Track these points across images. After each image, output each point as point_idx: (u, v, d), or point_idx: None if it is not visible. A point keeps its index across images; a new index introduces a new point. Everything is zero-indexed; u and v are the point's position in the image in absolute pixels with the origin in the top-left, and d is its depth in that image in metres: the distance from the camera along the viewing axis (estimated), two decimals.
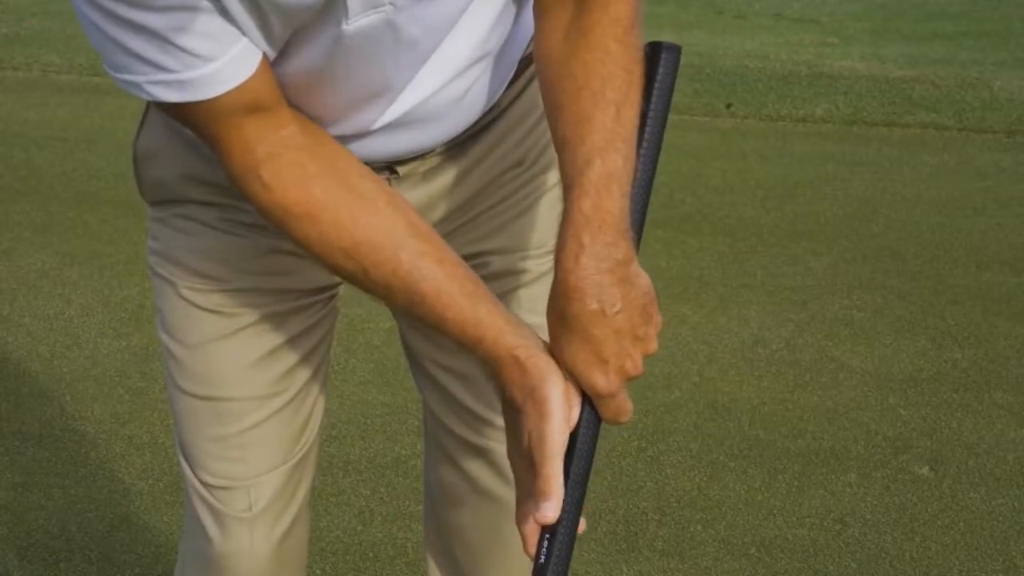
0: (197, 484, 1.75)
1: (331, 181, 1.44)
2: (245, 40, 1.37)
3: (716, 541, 2.99)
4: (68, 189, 5.55)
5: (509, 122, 1.69)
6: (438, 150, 1.64)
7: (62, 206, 5.29)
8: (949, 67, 8.02)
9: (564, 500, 1.39)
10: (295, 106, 1.46)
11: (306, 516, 1.82)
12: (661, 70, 1.46)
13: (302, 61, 1.44)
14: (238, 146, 1.42)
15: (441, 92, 1.54)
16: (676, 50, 1.48)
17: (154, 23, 1.31)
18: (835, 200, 5.47)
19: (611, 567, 2.89)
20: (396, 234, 1.43)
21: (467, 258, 1.54)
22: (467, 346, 1.42)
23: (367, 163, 1.51)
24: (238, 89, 1.38)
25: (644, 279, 1.42)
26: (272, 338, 1.71)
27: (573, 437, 1.41)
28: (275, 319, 1.70)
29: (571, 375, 1.40)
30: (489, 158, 1.69)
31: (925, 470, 3.31)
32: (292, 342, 1.72)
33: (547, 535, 1.40)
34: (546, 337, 1.43)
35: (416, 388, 1.87)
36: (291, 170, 1.42)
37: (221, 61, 1.36)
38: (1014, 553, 2.96)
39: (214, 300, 1.68)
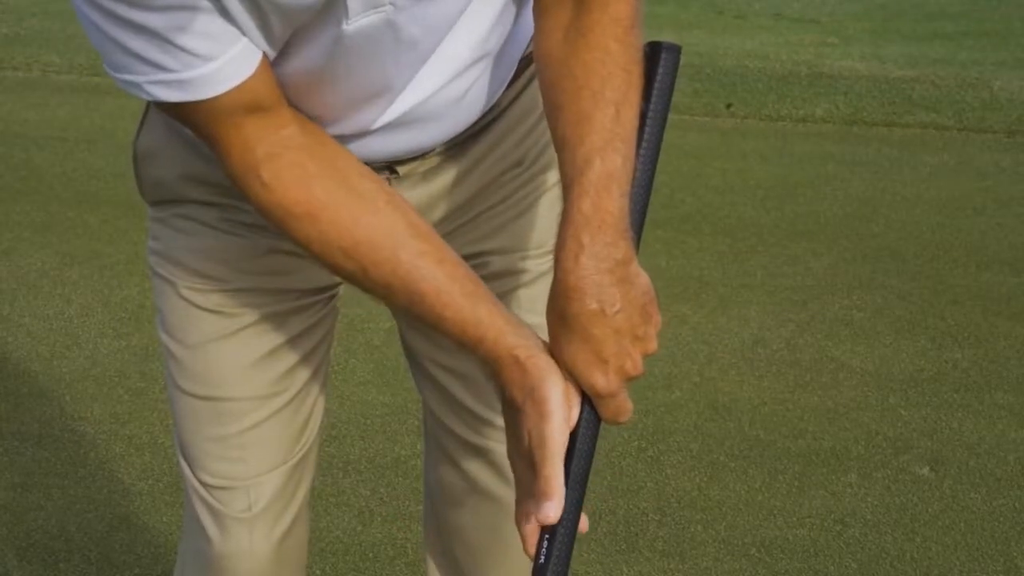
0: (197, 484, 1.75)
1: (331, 181, 1.44)
2: (245, 40, 1.37)
3: (716, 541, 2.99)
4: (68, 189, 5.55)
5: (509, 122, 1.69)
6: (438, 150, 1.64)
7: (62, 206, 5.29)
8: (949, 67, 8.02)
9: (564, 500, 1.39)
10: (295, 106, 1.46)
11: (306, 516, 1.82)
12: (661, 70, 1.46)
13: (302, 61, 1.44)
14: (238, 146, 1.42)
15: (441, 92, 1.54)
16: (676, 50, 1.47)
17: (154, 23, 1.31)
18: (835, 200, 5.47)
19: (611, 567, 2.89)
20: (396, 234, 1.43)
21: (467, 258, 1.54)
22: (467, 346, 1.42)
23: (367, 163, 1.50)
24: (238, 89, 1.38)
25: (644, 279, 1.41)
26: (272, 338, 1.70)
27: (573, 437, 1.41)
28: (275, 319, 1.70)
29: (571, 375, 1.40)
30: (489, 158, 1.69)
31: (926, 470, 3.30)
32: (292, 342, 1.72)
33: (547, 535, 1.40)
34: (546, 337, 1.42)
35: (416, 388, 1.87)
36: (291, 170, 1.42)
37: (221, 61, 1.36)
38: (1015, 554, 2.96)
39: (214, 300, 1.68)
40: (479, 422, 1.80)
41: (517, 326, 1.42)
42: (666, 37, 1.51)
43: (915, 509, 3.12)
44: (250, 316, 1.69)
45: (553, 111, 1.46)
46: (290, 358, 1.73)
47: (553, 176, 1.70)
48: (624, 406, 1.42)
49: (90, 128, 6.54)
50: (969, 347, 4.01)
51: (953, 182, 5.74)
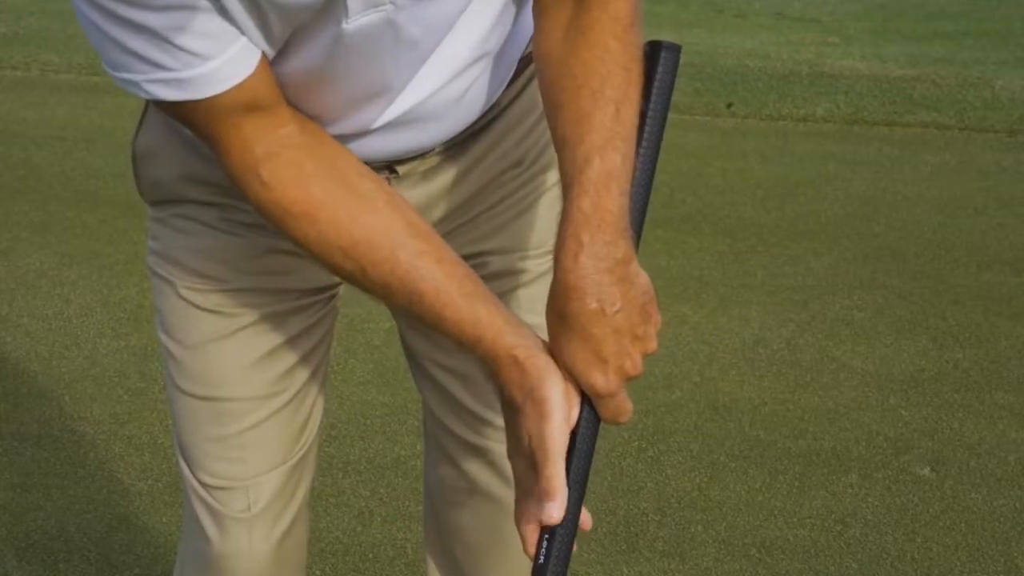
0: (196, 484, 1.74)
1: (330, 180, 1.43)
2: (244, 39, 1.37)
3: (717, 542, 2.99)
4: (67, 189, 5.55)
5: (508, 122, 1.69)
6: (437, 149, 1.64)
7: (61, 206, 5.29)
8: (950, 66, 8.02)
9: None
10: (295, 105, 1.46)
11: (305, 516, 1.82)
12: (661, 69, 1.46)
13: (302, 60, 1.44)
14: (237, 145, 1.41)
15: (441, 92, 1.54)
16: (676, 49, 1.47)
17: (153, 22, 1.31)
18: (836, 200, 5.47)
19: (611, 568, 2.89)
20: (395, 233, 1.43)
21: (467, 258, 1.54)
22: (466, 346, 1.42)
23: (367, 162, 1.50)
24: (237, 88, 1.37)
25: (643, 278, 1.41)
26: (272, 338, 1.70)
27: (572, 437, 1.41)
28: (274, 319, 1.70)
29: (570, 375, 1.39)
30: (488, 158, 1.69)
31: (926, 471, 3.30)
32: (292, 342, 1.72)
33: (546, 535, 1.40)
34: (546, 337, 1.42)
35: (416, 388, 1.87)
36: (290, 169, 1.42)
37: (220, 60, 1.35)
38: (1015, 554, 2.96)
39: (213, 300, 1.68)
40: (479, 422, 1.79)
41: (516, 326, 1.42)
42: (666, 36, 1.51)
43: (916, 509, 3.12)
44: (249, 316, 1.69)
45: (553, 110, 1.45)
46: (289, 358, 1.72)
47: (553, 176, 1.70)
48: (624, 406, 1.42)
49: (89, 127, 6.54)
50: (970, 347, 4.01)
51: (954, 182, 5.74)
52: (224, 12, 1.34)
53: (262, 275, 1.68)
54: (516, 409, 1.40)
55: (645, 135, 1.44)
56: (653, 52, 1.46)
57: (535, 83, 1.57)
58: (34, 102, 7.15)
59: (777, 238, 4.99)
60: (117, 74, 1.37)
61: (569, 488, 1.39)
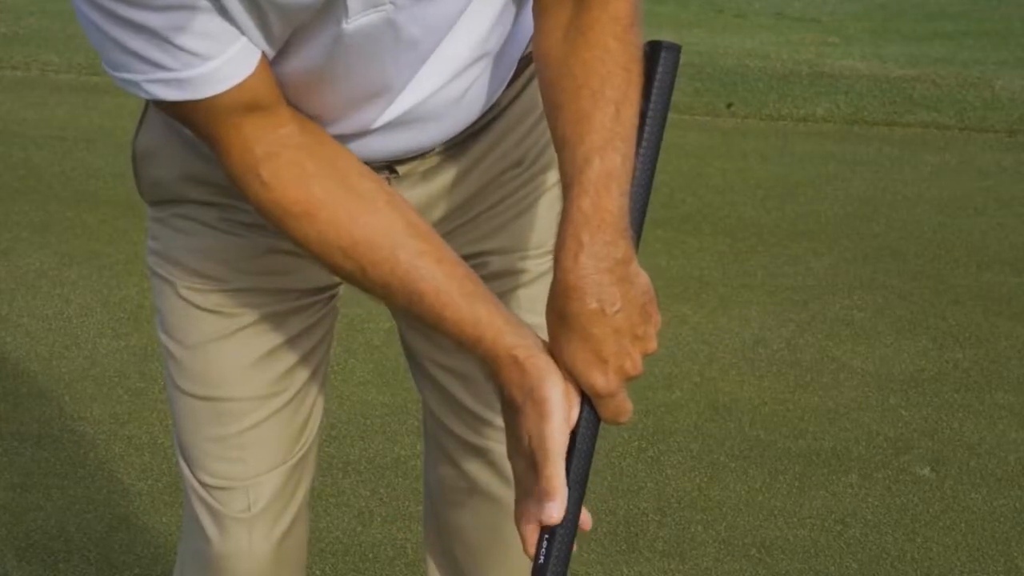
0: (196, 484, 1.74)
1: (330, 180, 1.43)
2: (244, 39, 1.37)
3: (717, 542, 2.98)
4: (67, 189, 5.55)
5: (509, 121, 1.69)
6: (437, 149, 1.64)
7: (61, 206, 5.29)
8: (950, 66, 8.02)
9: None
10: (295, 105, 1.46)
11: (305, 516, 1.82)
12: (660, 69, 1.46)
13: (302, 60, 1.44)
14: (237, 145, 1.41)
15: (441, 92, 1.54)
16: (676, 49, 1.47)
17: (153, 22, 1.31)
18: (836, 200, 5.47)
19: (611, 568, 2.89)
20: (395, 233, 1.43)
21: (466, 258, 1.54)
22: (466, 346, 1.42)
23: (367, 162, 1.50)
24: (237, 88, 1.37)
25: (643, 278, 1.41)
26: (272, 338, 1.70)
27: (572, 437, 1.41)
28: (274, 319, 1.70)
29: (570, 375, 1.39)
30: (488, 158, 1.69)
31: (926, 471, 3.30)
32: (292, 342, 1.72)
33: (546, 535, 1.40)
34: (546, 337, 1.42)
35: (416, 388, 1.87)
36: (290, 169, 1.42)
37: (220, 60, 1.35)
38: (1015, 554, 2.96)
39: (213, 300, 1.68)
40: (479, 422, 1.79)
41: (516, 326, 1.42)
42: (666, 36, 1.51)
43: (916, 509, 3.12)
44: (249, 316, 1.69)
45: (553, 110, 1.45)
46: (289, 358, 1.72)
47: (553, 176, 1.70)
48: (624, 406, 1.42)
49: (89, 127, 6.54)
50: (970, 347, 4.01)
51: (954, 182, 5.74)
52: (224, 12, 1.34)
53: (262, 275, 1.68)
54: (516, 409, 1.40)
55: (645, 135, 1.44)
56: (653, 52, 1.46)
57: (535, 83, 1.57)
58: (34, 102, 7.15)
59: (777, 238, 4.99)
60: (117, 74, 1.37)
61: (569, 488, 1.39)
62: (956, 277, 4.57)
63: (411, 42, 1.46)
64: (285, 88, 1.44)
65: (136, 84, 1.37)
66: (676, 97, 1.50)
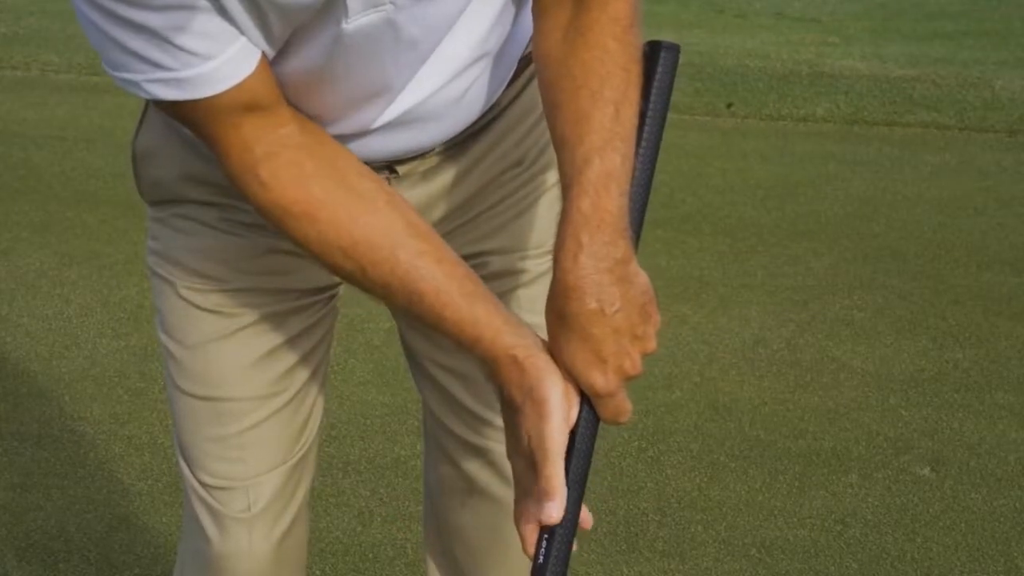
0: (196, 484, 1.74)
1: (329, 180, 1.43)
2: (243, 39, 1.37)
3: (717, 542, 2.98)
4: (67, 188, 5.55)
5: (508, 122, 1.69)
6: (437, 149, 1.64)
7: (61, 206, 5.29)
8: (950, 66, 8.02)
9: None
10: (294, 105, 1.46)
11: (305, 516, 1.82)
12: (660, 69, 1.45)
13: (302, 60, 1.44)
14: (236, 145, 1.41)
15: (440, 92, 1.54)
16: (675, 49, 1.47)
17: (153, 22, 1.31)
18: (836, 200, 5.47)
19: (611, 568, 2.89)
20: (394, 233, 1.43)
21: (466, 258, 1.54)
22: (465, 345, 1.42)
23: (367, 162, 1.50)
24: (236, 88, 1.37)
25: (643, 278, 1.41)
26: (272, 338, 1.70)
27: (572, 437, 1.41)
28: (274, 319, 1.70)
29: (570, 374, 1.39)
30: (488, 158, 1.69)
31: (926, 471, 3.30)
32: (292, 342, 1.72)
33: (546, 535, 1.40)
34: (546, 336, 1.42)
35: (416, 388, 1.87)
36: (289, 169, 1.42)
37: (219, 60, 1.35)
38: (1015, 554, 2.96)
39: (213, 300, 1.68)
40: (479, 422, 1.79)
41: (516, 326, 1.42)
42: (666, 36, 1.51)
43: (916, 509, 3.12)
44: (249, 316, 1.69)
45: (552, 110, 1.45)
46: (289, 358, 1.72)
47: (553, 176, 1.70)
48: (623, 406, 1.42)
49: (89, 127, 6.54)
50: (970, 347, 4.01)
51: (954, 182, 5.74)
52: (224, 12, 1.34)
53: (262, 275, 1.68)
54: (515, 409, 1.40)
55: (644, 135, 1.44)
56: (652, 52, 1.46)
57: (535, 83, 1.57)
58: (34, 102, 7.15)
59: (777, 238, 4.99)
60: (117, 74, 1.37)
61: (569, 488, 1.39)
62: (956, 277, 4.57)
63: (411, 42, 1.46)
64: (285, 88, 1.44)
65: (136, 84, 1.37)
66: (676, 97, 1.50)
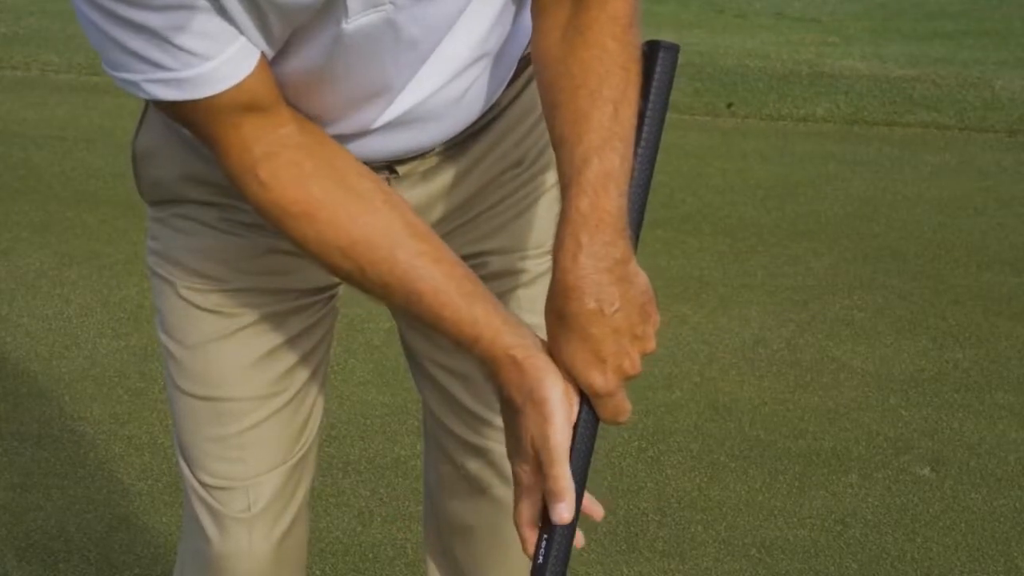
0: (196, 484, 1.74)
1: (328, 180, 1.43)
2: (243, 39, 1.37)
3: (717, 542, 2.98)
4: (67, 188, 5.55)
5: (508, 122, 1.69)
6: (437, 150, 1.64)
7: (61, 206, 5.29)
8: (950, 66, 8.02)
9: None
10: (294, 105, 1.46)
11: (305, 516, 1.82)
12: (659, 69, 1.45)
13: (301, 60, 1.44)
14: (236, 145, 1.41)
15: (440, 92, 1.54)
16: (674, 49, 1.47)
17: (152, 22, 1.31)
18: (836, 200, 5.47)
19: (611, 568, 2.89)
20: (393, 233, 1.43)
21: (466, 258, 1.54)
22: (464, 346, 1.42)
23: (366, 162, 1.50)
24: (236, 88, 1.37)
25: (642, 278, 1.41)
26: (271, 338, 1.70)
27: (572, 437, 1.40)
28: (274, 319, 1.70)
29: (569, 374, 1.39)
30: (488, 158, 1.69)
31: (926, 471, 3.30)
32: (291, 342, 1.72)
33: (545, 535, 1.40)
34: (545, 336, 1.42)
35: (416, 388, 1.87)
36: (288, 169, 1.42)
37: (219, 60, 1.35)
38: (1016, 554, 2.96)
39: (213, 300, 1.68)
40: (479, 422, 1.79)
41: (515, 326, 1.42)
42: (666, 36, 1.51)
43: (916, 509, 3.12)
44: (249, 316, 1.69)
45: (551, 110, 1.45)
46: (289, 358, 1.72)
47: (552, 176, 1.70)
48: (623, 406, 1.42)
49: (89, 127, 6.54)
50: (970, 347, 4.01)
51: (954, 182, 5.74)
52: (223, 12, 1.34)
53: (262, 275, 1.68)
54: (515, 410, 1.40)
55: (644, 135, 1.44)
56: (651, 52, 1.46)
57: (535, 83, 1.57)
58: (34, 102, 7.15)
59: (777, 238, 4.99)
60: (117, 74, 1.37)
61: None
62: (956, 277, 4.57)
63: (411, 42, 1.46)
64: (285, 88, 1.44)
65: (135, 84, 1.37)
66: (676, 97, 1.50)
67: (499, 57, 1.58)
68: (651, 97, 1.45)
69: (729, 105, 7.17)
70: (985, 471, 3.29)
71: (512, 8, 1.54)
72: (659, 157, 1.47)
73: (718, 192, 5.61)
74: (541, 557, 1.40)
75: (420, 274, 1.42)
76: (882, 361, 3.92)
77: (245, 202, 1.47)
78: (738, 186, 5.69)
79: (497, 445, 1.71)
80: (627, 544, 2.97)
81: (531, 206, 1.73)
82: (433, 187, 1.66)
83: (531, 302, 1.66)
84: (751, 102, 7.25)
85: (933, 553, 2.95)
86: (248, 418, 1.71)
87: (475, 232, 1.71)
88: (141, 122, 1.69)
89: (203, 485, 1.74)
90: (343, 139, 1.51)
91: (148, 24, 1.31)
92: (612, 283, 1.37)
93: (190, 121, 1.43)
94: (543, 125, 1.54)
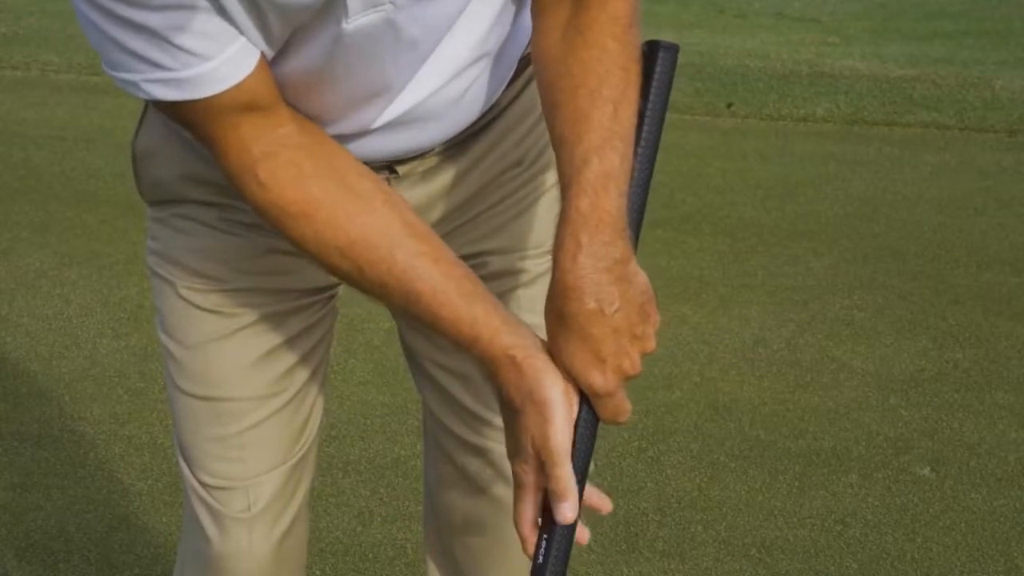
0: (196, 484, 1.74)
1: (328, 180, 1.43)
2: (243, 39, 1.37)
3: (717, 542, 2.98)
4: (67, 188, 5.55)
5: (508, 122, 1.69)
6: (437, 150, 1.64)
7: (61, 206, 5.29)
8: (950, 66, 8.02)
9: None
10: (294, 105, 1.46)
11: (305, 516, 1.82)
12: (659, 69, 1.45)
13: (301, 60, 1.44)
14: (235, 145, 1.41)
15: (440, 92, 1.54)
16: (674, 49, 1.47)
17: (152, 22, 1.31)
18: (836, 200, 5.47)
19: (611, 568, 2.89)
20: (392, 233, 1.43)
21: (466, 258, 1.54)
22: (463, 345, 1.42)
23: (366, 162, 1.50)
24: (235, 88, 1.37)
25: (642, 278, 1.41)
26: (271, 338, 1.70)
27: (572, 437, 1.41)
28: (274, 319, 1.70)
29: (569, 374, 1.39)
30: (488, 158, 1.69)
31: (926, 471, 3.30)
32: (291, 342, 1.72)
33: (545, 535, 1.40)
34: (545, 337, 1.42)
35: (416, 388, 1.87)
36: (287, 169, 1.42)
37: (218, 60, 1.35)
38: (1015, 554, 2.96)
39: (213, 300, 1.68)
40: (478, 422, 1.79)
41: (514, 326, 1.42)
42: (666, 36, 1.51)
43: (916, 509, 3.12)
44: (249, 316, 1.69)
45: (551, 110, 1.45)
46: (289, 358, 1.72)
47: (553, 176, 1.70)
48: (622, 406, 1.42)
49: (89, 127, 6.54)
50: (970, 347, 4.01)
51: (954, 182, 5.74)
52: (223, 12, 1.34)
53: (262, 275, 1.68)
54: (515, 410, 1.40)
55: (643, 135, 1.44)
56: (651, 52, 1.46)
57: (535, 83, 1.57)
58: (34, 102, 7.15)
59: (777, 238, 4.99)
60: (116, 74, 1.37)
61: None
62: (956, 277, 4.57)
63: (411, 42, 1.46)
64: (285, 88, 1.44)
65: (135, 84, 1.37)
66: (676, 97, 1.50)
67: (499, 57, 1.58)
68: (651, 97, 1.45)
69: (729, 105, 7.17)
70: (985, 471, 3.29)
71: (512, 8, 1.54)
72: (659, 157, 1.47)
73: (718, 192, 5.61)
74: (541, 557, 1.40)
75: (419, 274, 1.42)
76: (882, 361, 3.92)
77: (245, 202, 1.47)
78: (738, 186, 5.69)
79: (497, 445, 1.70)
80: (627, 544, 2.97)
81: (531, 206, 1.73)
82: (433, 187, 1.66)
83: (531, 302, 1.66)
84: (751, 102, 7.25)
85: (933, 553, 2.95)
86: (248, 418, 1.71)
87: (475, 232, 1.71)
88: (141, 122, 1.69)
89: (203, 485, 1.74)
90: (343, 139, 1.51)
91: (148, 24, 1.31)
92: (612, 283, 1.37)
93: (189, 121, 1.43)
94: (543, 125, 1.54)
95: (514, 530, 1.43)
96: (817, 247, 4.87)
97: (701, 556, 2.93)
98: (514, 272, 1.73)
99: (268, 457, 1.74)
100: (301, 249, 1.46)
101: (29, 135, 6.39)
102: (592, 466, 1.44)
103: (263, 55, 1.40)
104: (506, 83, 1.65)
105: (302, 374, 1.74)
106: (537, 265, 1.73)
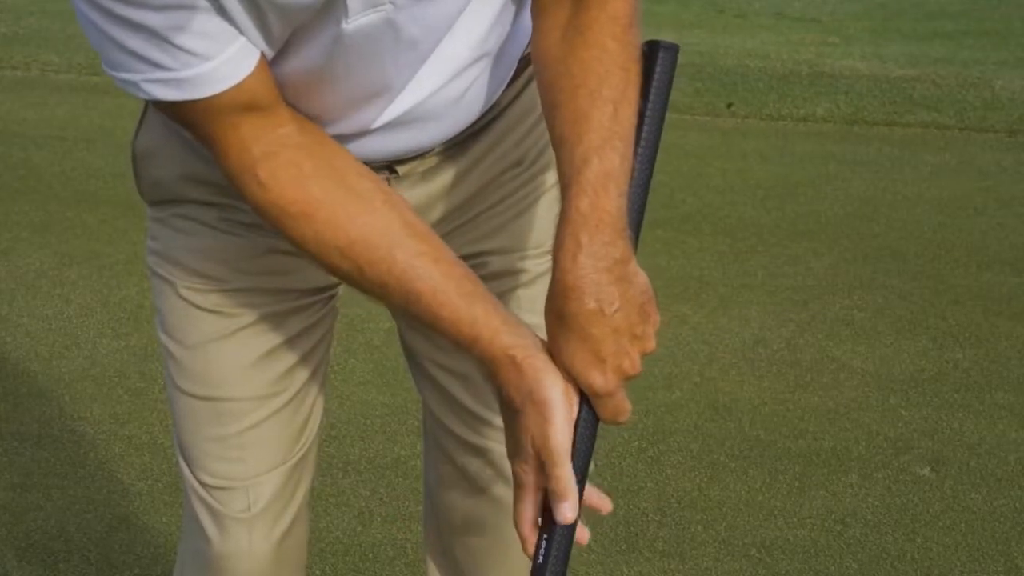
0: (196, 484, 1.74)
1: (328, 180, 1.43)
2: (243, 39, 1.37)
3: (717, 542, 2.98)
4: (67, 189, 5.55)
5: (508, 122, 1.69)
6: (437, 150, 1.64)
7: (61, 206, 5.29)
8: (950, 66, 8.02)
9: None
10: (294, 105, 1.46)
11: (305, 516, 1.82)
12: (659, 69, 1.45)
13: (301, 60, 1.44)
14: (235, 145, 1.41)
15: (440, 92, 1.54)
16: (674, 49, 1.47)
17: (152, 22, 1.31)
18: (836, 200, 5.47)
19: (611, 568, 2.89)
20: (392, 233, 1.43)
21: (466, 258, 1.54)
22: (463, 345, 1.42)
23: (366, 162, 1.50)
24: (235, 88, 1.37)
25: (642, 278, 1.41)
26: (271, 338, 1.70)
27: (572, 437, 1.41)
28: (274, 319, 1.70)
29: (569, 374, 1.39)
30: (488, 158, 1.69)
31: (926, 471, 3.30)
32: (291, 342, 1.72)
33: (545, 535, 1.40)
34: (545, 337, 1.42)
35: (416, 388, 1.87)
36: (287, 169, 1.42)
37: (218, 60, 1.35)
38: (1015, 554, 2.96)
39: (213, 300, 1.68)
40: (478, 422, 1.79)
41: (514, 326, 1.42)
42: (667, 36, 1.51)
43: (916, 509, 3.12)
44: (249, 316, 1.69)
45: (551, 110, 1.45)
46: (289, 358, 1.72)
47: (553, 176, 1.70)
48: (622, 406, 1.42)
49: (89, 127, 6.54)
50: (970, 347, 4.01)
51: (954, 182, 5.74)
52: (223, 12, 1.34)
53: (262, 275, 1.68)
54: (515, 410, 1.40)
55: (643, 135, 1.44)
56: (651, 52, 1.46)
57: (535, 83, 1.57)
58: (34, 102, 7.15)
59: (777, 238, 4.99)
60: (116, 74, 1.37)
61: None
62: (956, 277, 4.57)
63: (411, 42, 1.46)
64: (285, 88, 1.44)
65: (135, 84, 1.37)
66: (676, 97, 1.50)
67: (499, 57, 1.58)
68: (651, 97, 1.45)
69: (729, 105, 7.17)
70: (985, 471, 3.29)
71: (512, 8, 1.54)
72: (659, 157, 1.47)
73: (718, 192, 5.61)
74: (541, 557, 1.40)
75: (419, 274, 1.42)
76: (882, 361, 3.92)
77: (245, 202, 1.47)
78: (738, 186, 5.69)
79: (497, 445, 1.71)
80: (627, 544, 2.97)
81: (531, 206, 1.73)
82: (433, 187, 1.66)
83: (531, 302, 1.66)
84: (751, 102, 7.25)
85: (933, 553, 2.95)
86: (248, 418, 1.71)
87: (475, 232, 1.71)
88: (141, 122, 1.69)
89: (203, 485, 1.74)
90: (343, 139, 1.51)
91: (148, 24, 1.31)
92: (612, 283, 1.37)
93: (189, 121, 1.43)
94: (543, 125, 1.54)
95: (514, 530, 1.43)
96: (817, 247, 4.87)
97: (701, 556, 2.93)
98: (514, 272, 1.73)
99: (268, 457, 1.74)
100: (301, 249, 1.46)
101: (29, 135, 6.40)
102: (592, 466, 1.44)
103: (263, 55, 1.40)
104: (506, 83, 1.65)
105: (302, 374, 1.74)
106: (537, 265, 1.73)
